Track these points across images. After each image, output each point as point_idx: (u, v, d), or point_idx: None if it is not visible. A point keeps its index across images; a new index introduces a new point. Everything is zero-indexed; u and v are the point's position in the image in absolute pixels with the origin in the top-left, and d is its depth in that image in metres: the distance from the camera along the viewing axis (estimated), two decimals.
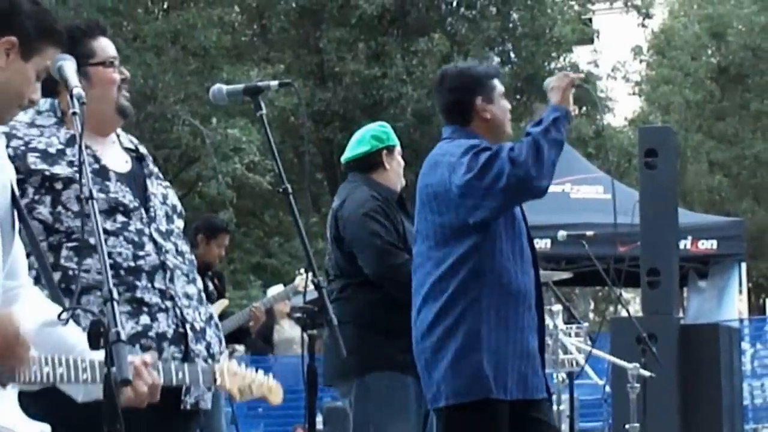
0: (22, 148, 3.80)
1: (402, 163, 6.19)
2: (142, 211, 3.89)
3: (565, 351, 6.35)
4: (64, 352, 3.00)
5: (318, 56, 22.97)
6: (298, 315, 4.29)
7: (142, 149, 4.13)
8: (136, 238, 3.84)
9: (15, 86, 3.07)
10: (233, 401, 3.70)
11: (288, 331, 12.21)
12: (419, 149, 22.43)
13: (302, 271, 9.26)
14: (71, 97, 3.07)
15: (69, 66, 3.17)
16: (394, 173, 6.10)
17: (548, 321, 6.21)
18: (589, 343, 6.85)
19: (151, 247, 3.86)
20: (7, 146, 3.74)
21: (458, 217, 4.79)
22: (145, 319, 3.78)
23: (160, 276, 3.85)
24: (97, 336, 2.85)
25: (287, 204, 4.19)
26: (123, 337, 2.81)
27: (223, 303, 8.53)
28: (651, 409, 7.18)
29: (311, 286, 4.09)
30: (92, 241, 3.57)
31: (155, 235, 3.89)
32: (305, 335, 4.10)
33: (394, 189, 6.11)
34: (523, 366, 4.85)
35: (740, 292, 14.66)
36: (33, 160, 3.80)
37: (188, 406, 3.88)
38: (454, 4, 24.34)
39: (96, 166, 3.88)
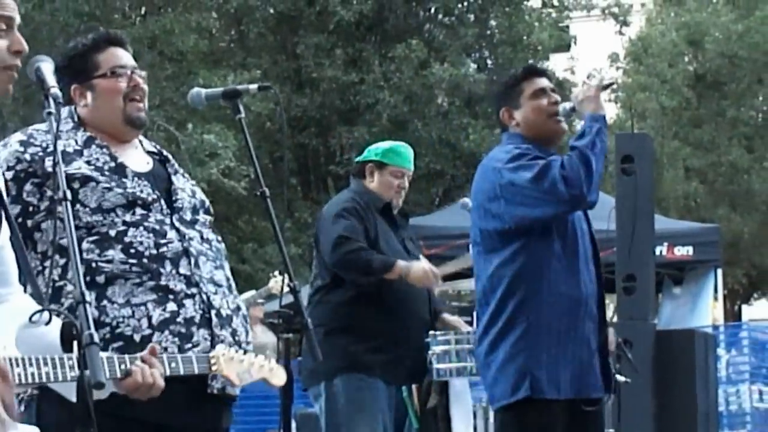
0: (40, 153, 3.84)
1: (394, 182, 6.33)
2: (162, 203, 3.93)
3: None
4: (48, 352, 2.96)
5: (295, 62, 23.07)
6: (272, 320, 4.33)
7: (166, 153, 4.22)
8: (157, 227, 3.88)
9: None
10: (234, 386, 3.76)
11: (261, 336, 12.18)
12: None
13: (276, 273, 9.27)
14: (47, 97, 3.05)
15: (46, 67, 3.13)
16: (377, 186, 6.30)
17: None
18: None
19: (174, 235, 3.90)
20: (24, 152, 3.84)
21: (503, 222, 4.84)
22: (172, 306, 3.80)
23: (184, 262, 3.88)
24: (69, 339, 2.83)
25: (264, 207, 4.21)
26: (96, 339, 2.80)
27: None
28: (626, 415, 7.06)
29: (287, 289, 4.11)
30: (112, 233, 3.84)
31: (177, 224, 3.93)
32: (281, 339, 4.14)
33: (381, 197, 6.28)
34: (576, 365, 4.85)
35: (716, 298, 14.74)
36: (50, 164, 3.78)
37: (215, 390, 3.87)
38: (432, 10, 24.43)
39: (112, 164, 3.92)
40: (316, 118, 22.56)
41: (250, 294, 9.11)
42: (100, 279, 3.79)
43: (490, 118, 23.91)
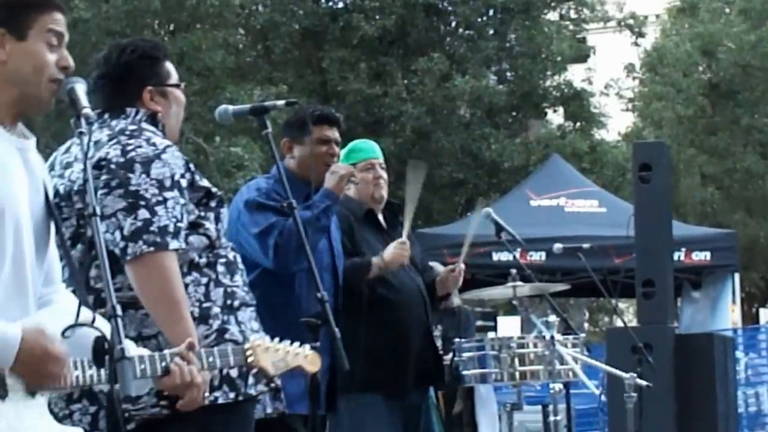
0: (190, 164, 3.87)
1: (371, 177, 6.03)
2: None
3: (562, 361, 6.18)
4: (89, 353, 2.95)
5: (321, 76, 23.17)
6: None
7: None
8: None
9: (27, 68, 3.11)
10: (268, 376, 3.70)
11: None
12: None
13: None
14: (79, 117, 3.05)
15: (80, 88, 3.13)
16: (357, 191, 6.00)
17: (544, 332, 6.25)
18: (585, 353, 6.69)
19: None
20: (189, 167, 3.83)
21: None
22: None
23: None
24: (101, 353, 2.83)
25: (291, 219, 4.29)
26: (127, 353, 2.78)
27: None
28: (647, 418, 7.15)
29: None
30: (231, 257, 3.91)
31: None
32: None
33: (364, 203, 6.03)
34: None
35: (734, 302, 14.64)
36: (197, 177, 3.87)
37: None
38: (453, 24, 24.49)
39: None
40: (342, 130, 22.63)
41: None
42: (235, 303, 3.86)
43: (510, 128, 24.16)
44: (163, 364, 3.20)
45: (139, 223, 3.67)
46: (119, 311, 2.80)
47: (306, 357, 3.60)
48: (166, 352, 3.24)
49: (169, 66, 4.11)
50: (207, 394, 3.53)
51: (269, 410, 4.12)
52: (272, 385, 4.00)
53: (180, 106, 4.09)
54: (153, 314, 3.65)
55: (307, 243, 4.77)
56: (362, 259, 5.81)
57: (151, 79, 4.01)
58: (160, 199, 3.69)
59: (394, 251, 5.79)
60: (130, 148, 3.78)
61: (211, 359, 3.35)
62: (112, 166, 3.74)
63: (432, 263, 9.10)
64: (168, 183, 3.73)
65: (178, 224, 3.71)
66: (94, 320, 2.92)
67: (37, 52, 3.11)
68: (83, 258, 3.74)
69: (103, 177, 3.72)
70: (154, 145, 3.80)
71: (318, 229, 5.09)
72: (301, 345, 3.62)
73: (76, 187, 3.81)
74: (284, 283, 5.09)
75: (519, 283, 6.57)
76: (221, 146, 20.32)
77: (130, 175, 3.72)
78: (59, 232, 3.18)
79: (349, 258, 5.70)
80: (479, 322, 11.39)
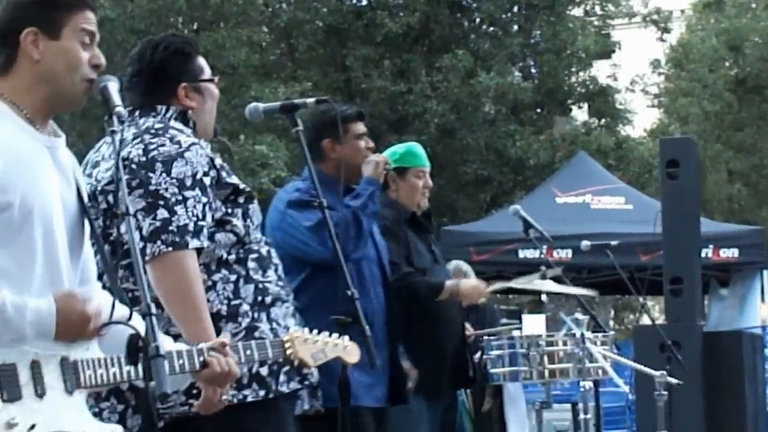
0: (216, 161, 3.86)
1: (419, 183, 6.20)
2: None
3: (591, 359, 6.13)
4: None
5: (345, 74, 23.17)
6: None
7: None
8: None
9: (60, 67, 3.11)
10: (307, 368, 3.71)
11: None
12: (443, 162, 22.73)
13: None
14: (111, 116, 3.07)
15: (112, 86, 3.15)
16: (403, 194, 6.16)
17: (574, 330, 6.22)
18: (615, 351, 6.67)
19: None
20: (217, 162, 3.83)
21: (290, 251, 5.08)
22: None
23: None
24: (135, 350, 2.84)
25: (321, 216, 4.30)
26: (162, 351, 2.79)
27: None
28: (676, 416, 7.12)
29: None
30: (264, 252, 3.91)
31: None
32: None
33: (408, 207, 6.15)
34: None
35: (762, 299, 14.58)
36: (224, 174, 3.89)
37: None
38: (477, 21, 24.44)
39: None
40: (367, 127, 22.66)
41: None
42: (268, 300, 3.85)
43: (535, 124, 24.10)
44: (201, 358, 3.20)
45: (158, 223, 3.68)
46: (154, 309, 2.82)
47: (345, 348, 3.61)
48: (203, 345, 3.23)
49: (202, 61, 4.12)
50: (228, 395, 3.54)
51: (306, 407, 4.10)
52: (306, 382, 3.98)
53: (214, 101, 4.10)
54: (170, 313, 3.66)
55: (363, 228, 5.09)
56: (437, 280, 5.97)
57: (185, 75, 4.03)
58: (180, 198, 3.70)
59: (473, 290, 6.04)
60: (152, 147, 3.80)
61: (248, 352, 3.35)
62: (134, 166, 3.77)
63: (456, 261, 9.11)
64: (189, 182, 3.74)
65: (199, 223, 3.71)
66: (130, 317, 2.93)
67: (70, 50, 3.13)
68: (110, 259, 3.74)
69: (125, 176, 3.70)
70: (178, 143, 3.81)
71: (368, 215, 5.24)
72: (339, 336, 3.62)
73: (100, 187, 3.83)
74: (336, 276, 5.12)
75: (553, 271, 6.53)
76: (246, 144, 20.35)
77: (151, 175, 3.74)
78: (93, 229, 3.18)
79: (395, 254, 5.78)
80: (504, 320, 11.38)
